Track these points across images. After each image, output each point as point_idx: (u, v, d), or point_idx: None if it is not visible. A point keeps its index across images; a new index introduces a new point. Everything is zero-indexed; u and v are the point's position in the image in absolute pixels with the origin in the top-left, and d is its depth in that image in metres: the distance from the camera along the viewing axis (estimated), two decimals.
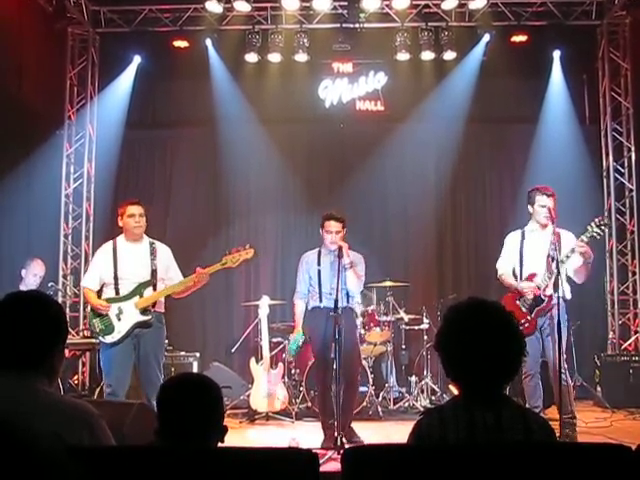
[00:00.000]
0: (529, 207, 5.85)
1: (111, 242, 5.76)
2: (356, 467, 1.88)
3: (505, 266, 5.98)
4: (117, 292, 5.58)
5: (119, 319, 5.51)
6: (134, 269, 5.60)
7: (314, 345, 6.13)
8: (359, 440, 5.99)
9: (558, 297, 5.36)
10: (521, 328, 5.62)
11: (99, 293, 5.71)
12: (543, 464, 1.83)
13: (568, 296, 5.69)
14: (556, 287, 5.42)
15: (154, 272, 5.62)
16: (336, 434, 5.43)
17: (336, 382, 5.54)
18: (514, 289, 5.83)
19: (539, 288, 5.67)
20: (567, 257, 5.53)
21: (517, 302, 5.74)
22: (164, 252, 5.78)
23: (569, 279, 5.77)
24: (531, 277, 5.74)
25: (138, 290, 5.55)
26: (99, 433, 2.16)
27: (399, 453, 1.96)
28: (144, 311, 5.52)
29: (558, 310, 5.32)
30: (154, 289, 5.59)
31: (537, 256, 5.76)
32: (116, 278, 5.59)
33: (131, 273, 5.59)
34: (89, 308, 5.95)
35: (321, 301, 6.01)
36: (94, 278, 5.69)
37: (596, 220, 5.57)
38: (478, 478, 1.82)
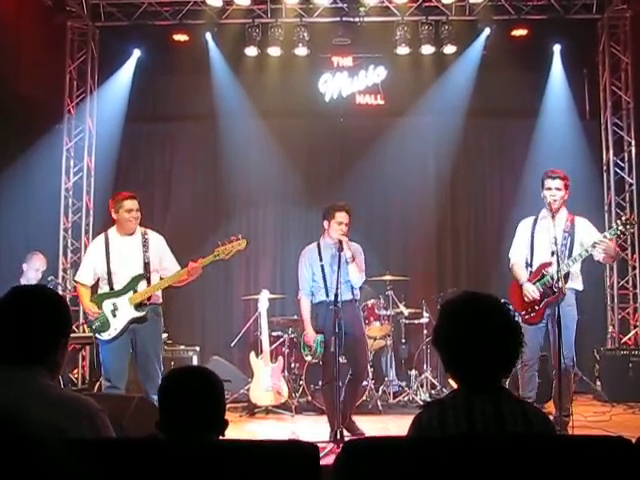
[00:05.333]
0: (541, 193, 5.80)
1: (103, 235, 5.68)
2: (356, 459, 1.88)
3: (517, 255, 5.90)
4: (111, 287, 5.51)
5: (114, 315, 5.45)
6: (126, 262, 5.52)
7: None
8: (361, 432, 5.98)
9: (574, 289, 5.34)
10: (527, 317, 5.63)
11: (95, 287, 5.68)
12: (543, 456, 1.83)
13: (580, 287, 5.70)
14: (565, 279, 5.44)
15: (147, 265, 5.53)
16: (336, 427, 5.45)
17: (336, 376, 5.53)
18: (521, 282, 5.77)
19: (547, 284, 5.64)
20: (586, 252, 5.51)
21: None
22: (157, 242, 5.69)
23: (582, 268, 5.76)
24: (544, 266, 5.68)
25: (132, 285, 5.48)
26: (100, 428, 2.16)
27: (399, 445, 1.96)
28: (139, 306, 5.46)
29: (558, 305, 5.31)
30: (148, 283, 5.52)
31: (548, 244, 5.67)
32: (109, 273, 5.51)
33: (124, 267, 5.51)
34: None
35: (327, 295, 5.96)
36: (87, 273, 5.63)
37: (623, 218, 5.59)
38: (478, 470, 1.82)
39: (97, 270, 5.59)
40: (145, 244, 5.59)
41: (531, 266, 5.79)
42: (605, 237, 5.48)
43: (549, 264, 5.64)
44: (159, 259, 5.63)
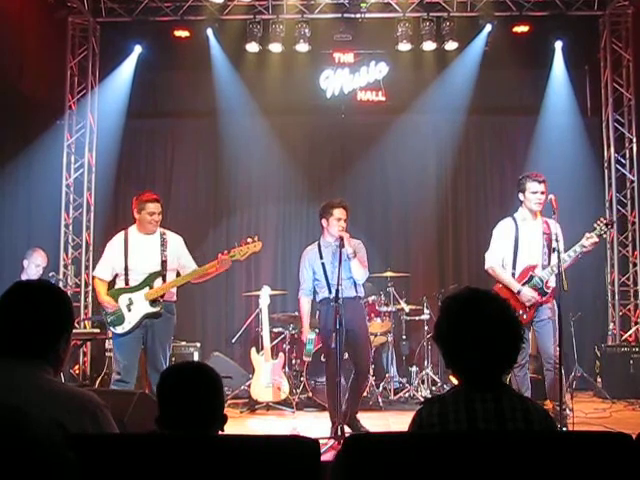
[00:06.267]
0: (520, 195, 5.80)
1: (123, 233, 5.81)
2: (356, 455, 1.88)
3: (495, 259, 5.84)
4: (127, 283, 5.64)
5: (129, 310, 5.57)
6: (144, 260, 5.65)
7: (323, 335, 6.08)
8: (365, 430, 5.95)
9: (560, 289, 5.34)
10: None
11: (113, 283, 5.76)
12: (544, 452, 1.83)
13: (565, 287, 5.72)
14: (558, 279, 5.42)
15: (164, 263, 5.66)
16: (337, 423, 5.44)
17: (337, 372, 5.53)
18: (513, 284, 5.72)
19: (537, 286, 5.63)
20: (574, 252, 5.52)
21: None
22: (175, 242, 5.82)
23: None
24: (531, 269, 5.68)
25: (148, 281, 5.61)
26: (103, 423, 2.15)
27: (399, 441, 1.96)
28: (153, 302, 5.58)
29: (559, 301, 5.31)
30: (163, 280, 5.64)
31: (533, 247, 5.70)
32: (126, 269, 5.65)
33: (141, 264, 5.64)
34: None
35: (330, 292, 5.95)
36: (106, 268, 5.77)
37: (602, 219, 5.62)
38: (478, 467, 1.82)
39: (115, 266, 5.72)
40: (163, 243, 5.72)
41: (513, 268, 5.76)
42: (593, 237, 5.53)
43: (535, 266, 5.68)
44: (177, 258, 5.76)
